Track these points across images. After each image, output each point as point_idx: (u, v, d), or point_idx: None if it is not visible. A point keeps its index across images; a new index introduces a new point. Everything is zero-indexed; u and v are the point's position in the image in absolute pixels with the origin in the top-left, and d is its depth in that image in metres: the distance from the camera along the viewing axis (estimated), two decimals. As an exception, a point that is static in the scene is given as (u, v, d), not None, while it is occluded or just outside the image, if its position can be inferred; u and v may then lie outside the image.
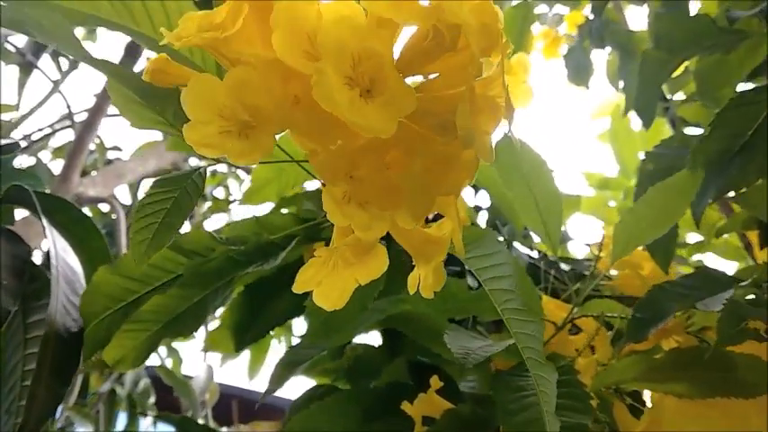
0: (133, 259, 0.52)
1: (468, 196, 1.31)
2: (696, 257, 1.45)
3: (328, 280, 0.44)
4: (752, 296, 0.77)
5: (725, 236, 1.29)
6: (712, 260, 1.46)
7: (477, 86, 0.41)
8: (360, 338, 1.03)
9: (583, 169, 1.90)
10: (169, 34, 0.43)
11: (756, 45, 0.99)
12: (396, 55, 0.40)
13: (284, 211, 1.05)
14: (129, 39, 2.18)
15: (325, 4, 0.38)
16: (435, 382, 0.81)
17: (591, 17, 1.52)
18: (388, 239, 0.50)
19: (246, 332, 0.95)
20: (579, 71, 1.62)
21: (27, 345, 0.67)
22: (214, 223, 3.13)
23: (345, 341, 0.94)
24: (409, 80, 0.44)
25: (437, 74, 0.44)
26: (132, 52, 2.08)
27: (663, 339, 0.79)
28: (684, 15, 1.04)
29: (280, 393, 0.98)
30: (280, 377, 0.85)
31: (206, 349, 1.03)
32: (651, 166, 0.98)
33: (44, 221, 0.75)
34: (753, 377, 0.67)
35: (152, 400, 1.91)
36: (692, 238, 1.47)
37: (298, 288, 0.45)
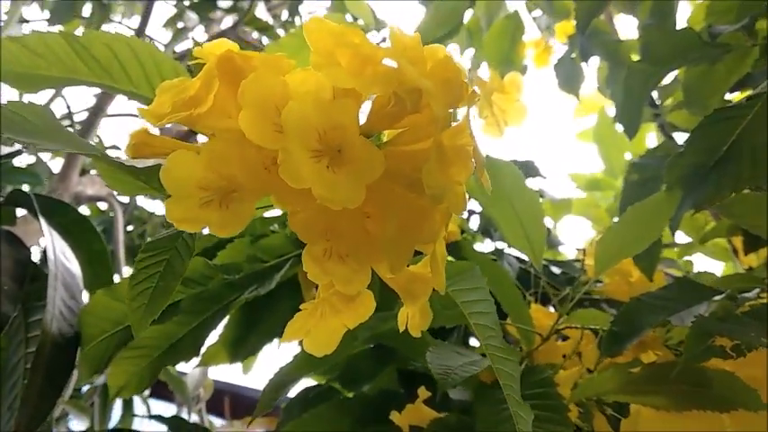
0: (132, 326, 0.53)
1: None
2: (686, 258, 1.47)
3: (317, 329, 0.45)
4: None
5: (715, 236, 1.31)
6: (701, 260, 1.48)
7: (447, 137, 0.42)
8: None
9: (570, 171, 1.92)
10: (144, 111, 0.44)
11: (742, 56, 1.01)
12: (362, 119, 0.41)
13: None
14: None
15: (291, 75, 0.39)
16: (423, 392, 0.83)
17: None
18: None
19: (242, 347, 0.98)
20: (569, 80, 1.64)
21: (28, 343, 0.68)
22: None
23: (336, 362, 0.96)
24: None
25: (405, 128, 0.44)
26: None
27: (641, 353, 0.82)
28: (671, 28, 1.05)
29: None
30: (271, 398, 0.87)
31: (202, 364, 1.05)
32: (636, 177, 1.00)
33: (43, 224, 0.76)
34: (727, 392, 0.69)
35: (146, 393, 1.93)
36: (682, 238, 1.49)
37: (286, 339, 0.46)
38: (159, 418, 1.02)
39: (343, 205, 0.38)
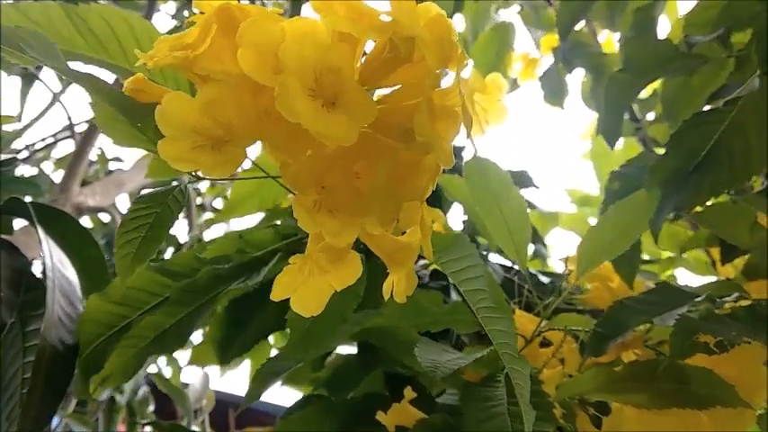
0: (118, 273, 0.54)
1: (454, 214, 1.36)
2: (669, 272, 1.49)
3: (304, 287, 0.45)
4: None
5: (696, 251, 1.33)
6: (684, 275, 1.50)
7: (436, 97, 0.44)
8: (340, 348, 1.05)
9: (567, 186, 1.95)
10: (142, 55, 0.45)
11: (718, 68, 1.04)
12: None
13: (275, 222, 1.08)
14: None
15: (289, 21, 0.40)
16: (409, 393, 0.84)
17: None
18: (367, 254, 0.52)
19: (230, 346, 0.98)
20: (554, 92, 1.68)
21: (26, 353, 0.68)
22: (214, 232, 3.19)
23: (324, 352, 0.96)
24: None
25: (398, 86, 0.46)
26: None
27: (623, 352, 0.83)
28: (651, 40, 1.08)
29: (277, 400, 1.00)
30: (258, 387, 0.87)
31: (192, 363, 1.05)
32: (617, 186, 1.02)
33: (40, 233, 0.76)
34: (705, 390, 0.71)
35: (151, 408, 1.92)
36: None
37: (275, 296, 0.46)
38: (158, 427, 1.02)
39: (336, 142, 0.39)
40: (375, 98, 0.47)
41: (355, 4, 0.42)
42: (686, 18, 1.07)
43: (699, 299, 0.80)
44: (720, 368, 0.73)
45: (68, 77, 0.53)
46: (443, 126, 0.45)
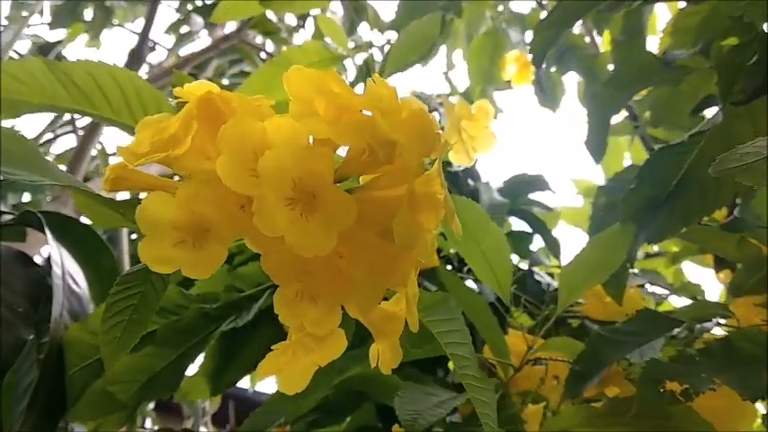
0: (104, 359, 0.54)
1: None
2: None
3: (289, 367, 0.46)
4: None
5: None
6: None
7: (419, 185, 0.43)
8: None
9: (573, 177, 1.92)
10: (124, 150, 0.45)
11: (705, 76, 1.02)
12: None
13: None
14: (132, 44, 2.20)
15: (270, 121, 0.40)
16: (398, 430, 0.85)
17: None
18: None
19: (221, 378, 0.98)
20: (548, 96, 1.66)
21: (39, 365, 0.68)
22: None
23: (310, 400, 0.95)
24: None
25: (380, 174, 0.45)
26: (136, 58, 2.17)
27: (604, 389, 0.84)
28: (636, 50, 1.06)
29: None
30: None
31: (180, 398, 1.06)
32: (603, 200, 1.01)
33: (53, 247, 0.76)
34: (684, 426, 0.72)
35: (151, 405, 1.93)
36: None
37: (260, 377, 0.47)
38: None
39: (314, 253, 0.39)
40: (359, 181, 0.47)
41: (336, 96, 0.42)
42: (672, 23, 1.05)
43: (678, 329, 0.80)
44: (706, 398, 0.74)
45: (53, 183, 0.53)
46: (426, 216, 0.44)
